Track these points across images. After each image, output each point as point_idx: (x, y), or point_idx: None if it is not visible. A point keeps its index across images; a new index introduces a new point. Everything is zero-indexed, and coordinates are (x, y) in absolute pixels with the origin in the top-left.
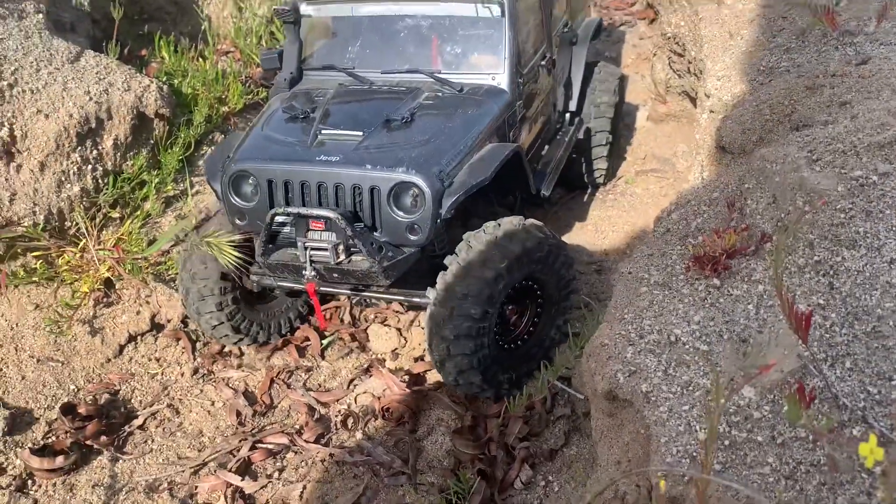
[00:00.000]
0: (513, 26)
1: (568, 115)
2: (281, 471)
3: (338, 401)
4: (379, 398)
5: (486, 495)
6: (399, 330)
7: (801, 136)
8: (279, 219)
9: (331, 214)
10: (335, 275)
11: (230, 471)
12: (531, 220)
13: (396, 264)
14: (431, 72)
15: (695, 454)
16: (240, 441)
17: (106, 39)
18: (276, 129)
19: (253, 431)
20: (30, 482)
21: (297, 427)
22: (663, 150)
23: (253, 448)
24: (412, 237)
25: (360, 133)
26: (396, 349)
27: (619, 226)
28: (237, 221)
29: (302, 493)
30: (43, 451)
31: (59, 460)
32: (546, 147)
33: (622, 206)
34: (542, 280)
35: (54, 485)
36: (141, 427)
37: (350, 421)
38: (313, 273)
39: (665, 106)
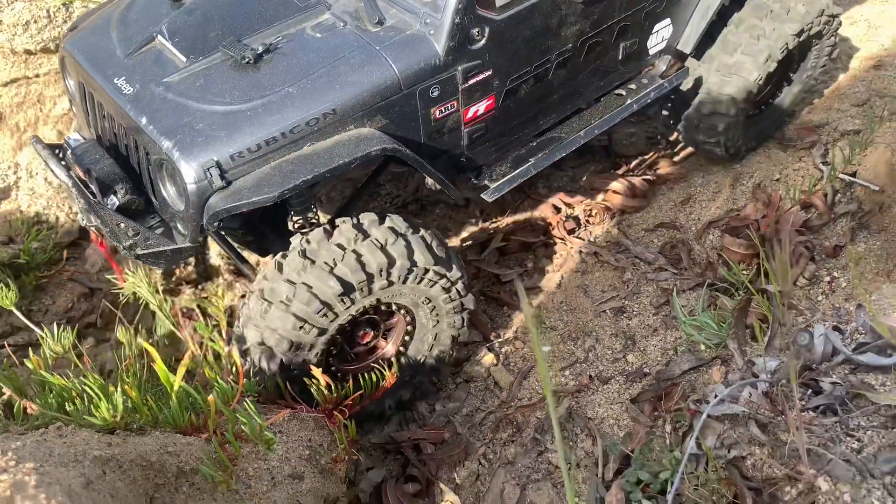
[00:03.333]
0: None
1: (666, 58)
2: (535, 262)
3: (582, 202)
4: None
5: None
6: None
7: None
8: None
9: (62, 175)
10: None
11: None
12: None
13: (159, 255)
14: None
15: None
16: (488, 235)
17: None
18: (140, 6)
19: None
20: None
21: (543, 225)
22: None
23: (505, 240)
24: (181, 229)
25: (185, 59)
26: None
27: None
28: (73, 109)
29: (560, 281)
30: None
31: None
32: (577, 114)
33: None
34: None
35: None
36: None
37: (596, 217)
38: (84, 223)
39: None
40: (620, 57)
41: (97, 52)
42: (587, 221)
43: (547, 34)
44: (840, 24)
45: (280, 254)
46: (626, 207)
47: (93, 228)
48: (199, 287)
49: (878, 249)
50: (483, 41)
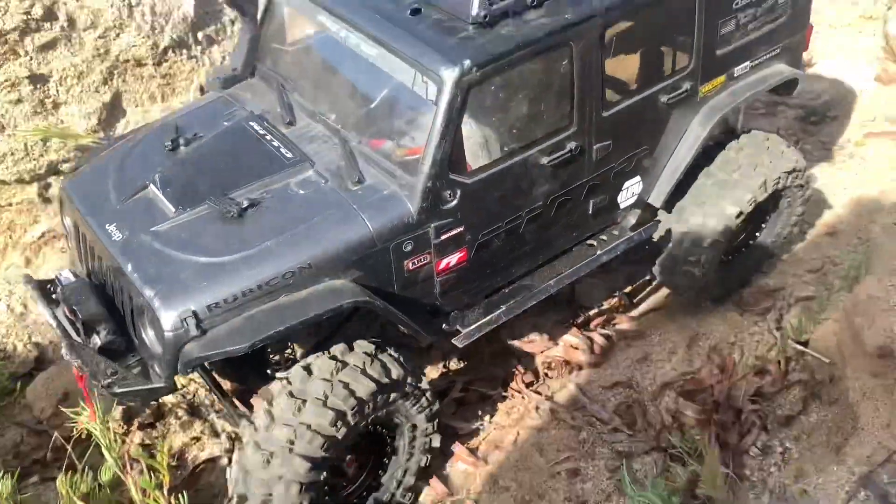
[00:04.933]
0: (449, 122)
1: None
2: (492, 415)
3: (541, 352)
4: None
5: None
6: None
7: None
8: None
9: (47, 316)
10: None
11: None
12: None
13: (136, 394)
14: (346, 139)
15: None
16: (448, 383)
17: None
18: (138, 152)
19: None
20: None
21: (503, 376)
22: None
23: (464, 391)
24: (158, 371)
25: (174, 209)
26: None
27: (851, 189)
28: (68, 245)
29: (516, 438)
30: None
31: None
32: (549, 263)
33: (851, 169)
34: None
35: None
36: None
37: (555, 371)
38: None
39: None
40: (591, 211)
41: (92, 196)
42: (546, 375)
43: (517, 194)
44: (809, 177)
45: (264, 402)
46: (585, 363)
47: (75, 365)
48: (153, 427)
49: (829, 422)
50: (455, 202)
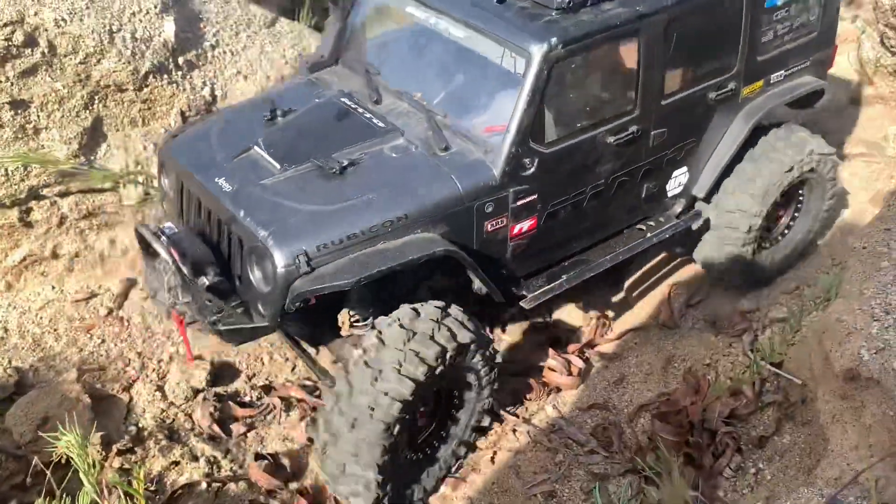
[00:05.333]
0: (535, 93)
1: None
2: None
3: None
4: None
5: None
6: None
7: None
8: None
9: (163, 252)
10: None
11: None
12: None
13: (240, 332)
14: (432, 114)
15: None
16: None
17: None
18: (237, 121)
19: None
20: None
21: None
22: (869, 133)
23: None
24: (262, 310)
25: (279, 166)
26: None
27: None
28: (163, 204)
29: (493, 460)
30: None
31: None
32: (603, 242)
33: None
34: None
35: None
36: None
37: (532, 393)
38: (171, 302)
39: (872, 87)
40: (643, 195)
41: (198, 156)
42: (524, 397)
43: (585, 169)
44: (835, 161)
45: (342, 371)
46: (562, 385)
47: (176, 309)
48: (132, 452)
49: (801, 443)
50: (532, 169)
